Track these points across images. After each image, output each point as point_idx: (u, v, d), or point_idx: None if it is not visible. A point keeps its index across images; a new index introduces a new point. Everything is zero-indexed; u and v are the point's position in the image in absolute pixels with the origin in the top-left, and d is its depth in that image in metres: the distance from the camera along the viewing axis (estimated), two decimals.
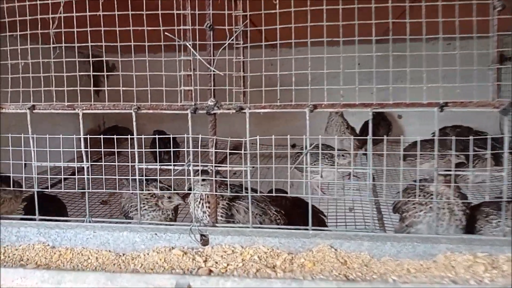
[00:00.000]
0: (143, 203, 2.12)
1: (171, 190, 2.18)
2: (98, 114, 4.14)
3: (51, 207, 2.42)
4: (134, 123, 1.59)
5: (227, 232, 1.54)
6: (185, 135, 1.53)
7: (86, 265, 1.60)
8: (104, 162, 2.06)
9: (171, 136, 3.56)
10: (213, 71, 1.49)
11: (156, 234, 1.58)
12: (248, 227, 1.53)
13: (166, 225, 1.71)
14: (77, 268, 1.58)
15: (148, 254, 1.56)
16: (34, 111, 1.74)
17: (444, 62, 1.40)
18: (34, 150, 1.70)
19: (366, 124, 3.69)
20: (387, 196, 2.24)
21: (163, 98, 1.59)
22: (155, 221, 2.08)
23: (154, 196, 2.15)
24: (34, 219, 1.81)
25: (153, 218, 2.13)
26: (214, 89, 1.52)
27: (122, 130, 3.77)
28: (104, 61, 1.40)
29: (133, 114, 1.59)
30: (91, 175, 1.69)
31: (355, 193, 2.67)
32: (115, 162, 1.79)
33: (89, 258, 1.64)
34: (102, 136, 1.89)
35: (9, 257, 1.71)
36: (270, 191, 1.74)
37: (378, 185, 2.18)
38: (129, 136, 1.71)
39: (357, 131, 3.73)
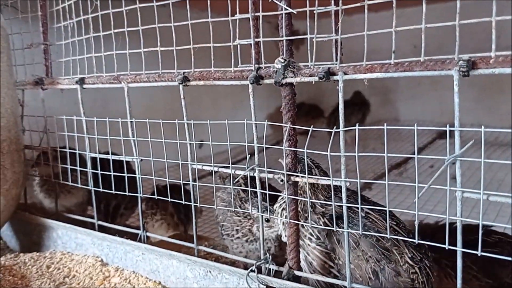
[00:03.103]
0: (233, 227, 1.39)
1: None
2: None
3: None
4: (183, 100, 1.12)
5: None
6: (245, 121, 1.10)
7: None
8: None
9: None
10: (285, 7, 0.96)
11: (210, 272, 1.07)
12: None
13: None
14: None
15: None
16: (84, 86, 1.45)
17: None
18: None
19: None
20: None
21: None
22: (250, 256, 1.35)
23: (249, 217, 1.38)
24: (93, 224, 1.51)
25: (248, 253, 1.37)
26: (286, 41, 0.97)
27: None
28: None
29: (181, 88, 1.15)
30: None
31: None
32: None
33: None
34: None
35: (58, 269, 1.42)
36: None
37: None
38: None
39: None
